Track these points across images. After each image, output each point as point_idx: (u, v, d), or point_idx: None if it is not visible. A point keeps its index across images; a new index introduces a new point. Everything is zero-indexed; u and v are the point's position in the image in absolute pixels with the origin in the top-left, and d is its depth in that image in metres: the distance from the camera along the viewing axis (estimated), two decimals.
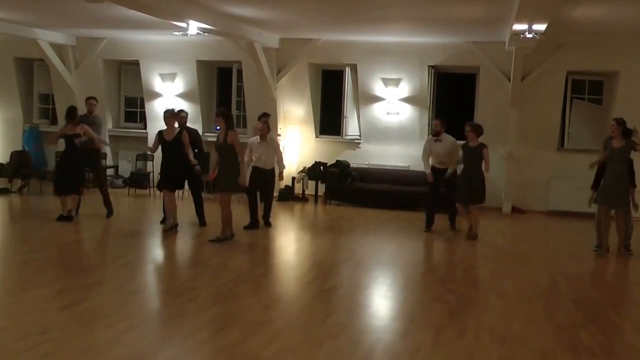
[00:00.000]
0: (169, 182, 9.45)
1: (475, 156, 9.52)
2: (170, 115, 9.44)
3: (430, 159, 10.35)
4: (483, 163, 9.53)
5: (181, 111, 10.50)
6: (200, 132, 12.36)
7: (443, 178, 10.17)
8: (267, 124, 10.29)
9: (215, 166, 8.98)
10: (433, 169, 10.27)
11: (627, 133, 8.58)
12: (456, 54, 12.98)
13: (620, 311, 6.48)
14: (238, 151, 8.68)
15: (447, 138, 10.24)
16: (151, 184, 13.80)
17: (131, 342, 4.93)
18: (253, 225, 9.99)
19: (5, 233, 9.73)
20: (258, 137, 10.19)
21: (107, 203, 10.56)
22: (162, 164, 9.68)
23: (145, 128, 15.10)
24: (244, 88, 14.19)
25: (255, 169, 10.12)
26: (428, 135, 13.33)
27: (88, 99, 11.28)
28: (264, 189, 10.24)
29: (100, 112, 14.61)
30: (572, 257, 8.87)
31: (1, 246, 8.74)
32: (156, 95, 14.74)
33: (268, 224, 10.29)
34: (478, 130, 9.62)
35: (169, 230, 9.37)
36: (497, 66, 12.77)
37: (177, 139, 9.32)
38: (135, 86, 15.30)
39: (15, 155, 13.93)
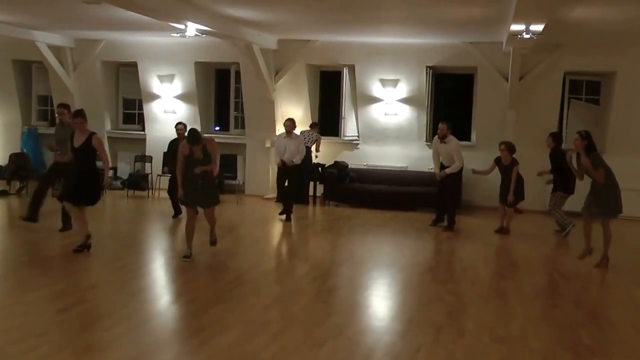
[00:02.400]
0: (72, 195, 7.94)
1: (508, 173, 10.29)
2: (82, 119, 7.95)
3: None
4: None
5: (178, 124, 10.87)
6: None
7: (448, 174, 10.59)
8: (293, 121, 11.19)
9: (183, 182, 7.73)
10: (441, 166, 10.74)
11: (591, 148, 8.10)
12: (454, 55, 12.99)
13: (620, 311, 6.48)
14: (215, 160, 7.83)
15: (452, 140, 10.62)
16: (150, 186, 13.82)
17: (130, 344, 4.92)
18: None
19: (3, 235, 9.70)
20: (285, 133, 11.09)
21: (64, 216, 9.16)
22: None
23: (143, 130, 15.10)
24: (242, 89, 14.20)
25: (282, 163, 10.96)
26: (426, 136, 13.45)
27: (58, 106, 9.51)
28: (289, 183, 11.10)
29: (99, 114, 14.70)
30: (572, 257, 8.87)
31: (0, 248, 8.73)
32: (154, 96, 14.73)
33: (288, 219, 10.98)
34: (512, 149, 10.30)
35: (80, 249, 7.89)
36: (495, 67, 12.79)
37: (86, 145, 7.87)
38: (134, 88, 15.28)
39: (13, 157, 13.94)
